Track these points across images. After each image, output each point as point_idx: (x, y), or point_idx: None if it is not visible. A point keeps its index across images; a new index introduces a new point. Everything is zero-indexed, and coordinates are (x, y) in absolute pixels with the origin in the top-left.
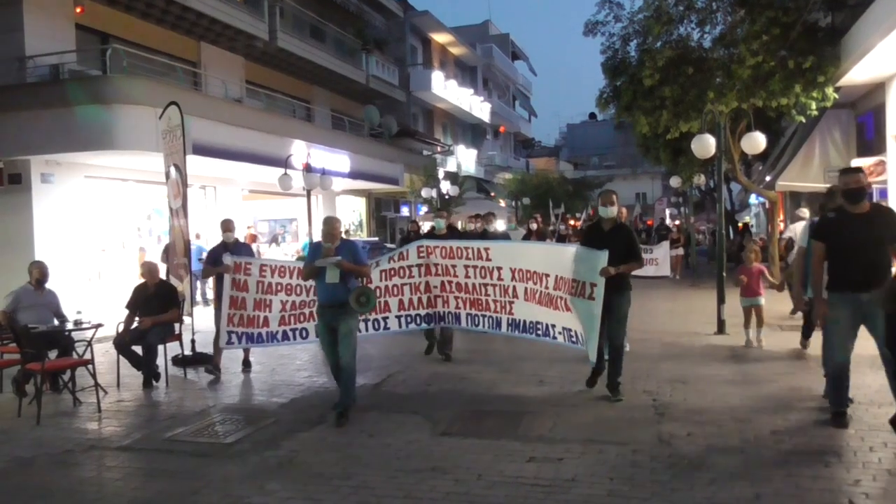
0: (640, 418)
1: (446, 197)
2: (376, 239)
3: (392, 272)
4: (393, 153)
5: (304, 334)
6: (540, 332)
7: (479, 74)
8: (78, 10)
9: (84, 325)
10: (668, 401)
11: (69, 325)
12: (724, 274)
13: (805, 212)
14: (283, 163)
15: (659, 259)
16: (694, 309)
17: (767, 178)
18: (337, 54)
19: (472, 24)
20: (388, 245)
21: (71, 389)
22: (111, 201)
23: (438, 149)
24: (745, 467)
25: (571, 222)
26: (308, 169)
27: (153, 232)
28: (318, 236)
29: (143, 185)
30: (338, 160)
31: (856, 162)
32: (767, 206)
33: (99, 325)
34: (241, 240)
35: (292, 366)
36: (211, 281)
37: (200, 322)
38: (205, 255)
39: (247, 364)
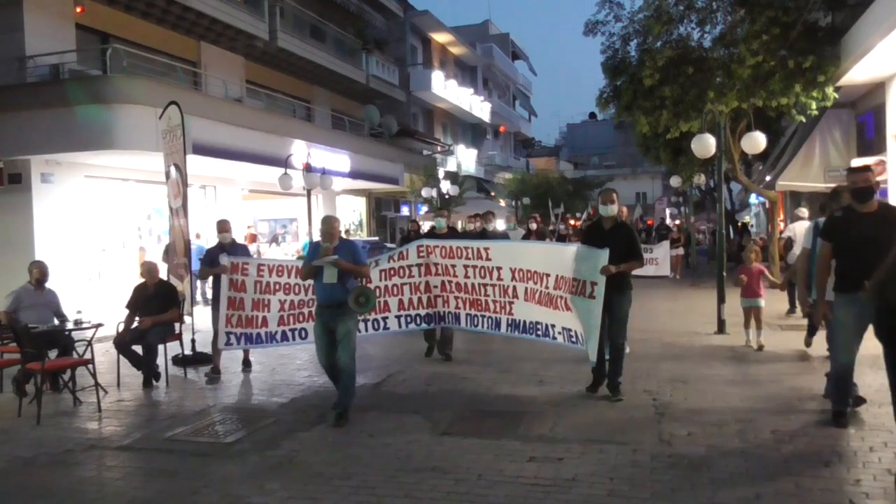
0: (641, 418)
1: (446, 197)
2: (376, 238)
3: (392, 272)
4: (393, 153)
5: (303, 334)
6: (539, 333)
7: (479, 74)
8: (78, 9)
9: (84, 325)
10: (668, 401)
11: (69, 325)
12: (724, 273)
13: (804, 211)
14: (284, 162)
15: (659, 259)
16: (694, 309)
17: (767, 178)
18: (337, 54)
19: (472, 24)
20: (389, 245)
21: (71, 389)
22: (111, 201)
23: (438, 148)
24: (746, 467)
25: (571, 222)
26: (308, 169)
27: (153, 232)
28: (317, 236)
29: (144, 185)
30: (338, 160)
31: (856, 161)
32: (767, 205)
33: (99, 325)
34: (242, 240)
35: (292, 365)
36: (210, 281)
37: (200, 322)
38: None
39: (247, 364)
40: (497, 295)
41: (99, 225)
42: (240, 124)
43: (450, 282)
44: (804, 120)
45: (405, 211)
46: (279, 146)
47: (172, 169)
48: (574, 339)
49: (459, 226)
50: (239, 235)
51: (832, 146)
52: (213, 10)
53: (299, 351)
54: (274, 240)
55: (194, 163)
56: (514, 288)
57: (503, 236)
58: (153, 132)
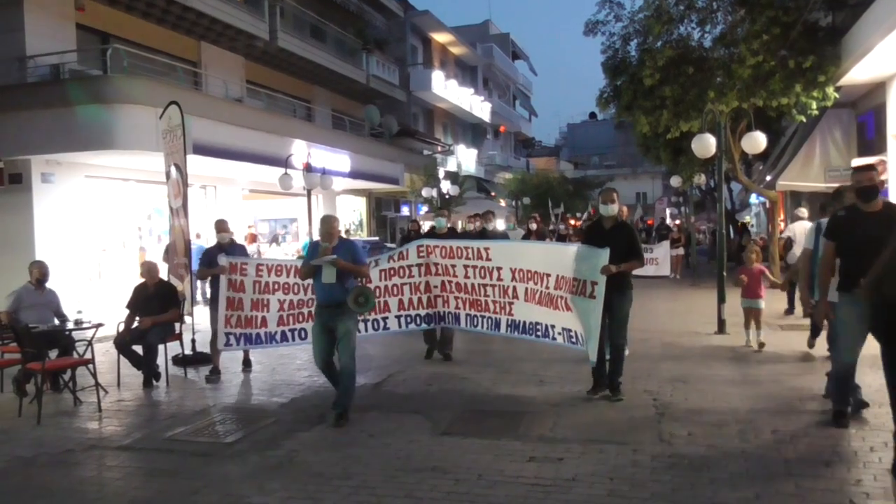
0: (641, 418)
1: (447, 196)
2: (376, 238)
3: (392, 272)
4: (393, 153)
5: (303, 335)
6: (539, 334)
7: (479, 74)
8: (78, 10)
9: (84, 325)
10: (668, 400)
11: (70, 325)
12: (725, 273)
13: (803, 211)
14: (284, 162)
15: (659, 259)
16: (694, 309)
17: (768, 178)
18: (337, 54)
19: (472, 24)
20: (389, 245)
21: (71, 389)
22: (112, 201)
23: (439, 148)
24: (746, 467)
25: (572, 222)
26: (308, 169)
27: (153, 231)
28: (318, 236)
29: (144, 185)
30: (338, 160)
31: (856, 161)
32: (768, 205)
33: (99, 325)
34: (242, 240)
35: (292, 365)
36: (209, 281)
37: (201, 322)
38: None
39: (247, 364)
40: (497, 295)
41: (99, 225)
42: (240, 124)
43: (450, 282)
44: (804, 120)
45: (405, 211)
46: (279, 146)
47: (173, 169)
48: (574, 340)
49: (460, 226)
50: (239, 235)
51: (832, 146)
52: (213, 10)
53: (299, 351)
54: (274, 240)
55: (194, 163)
56: (514, 288)
57: (503, 236)
58: (153, 132)
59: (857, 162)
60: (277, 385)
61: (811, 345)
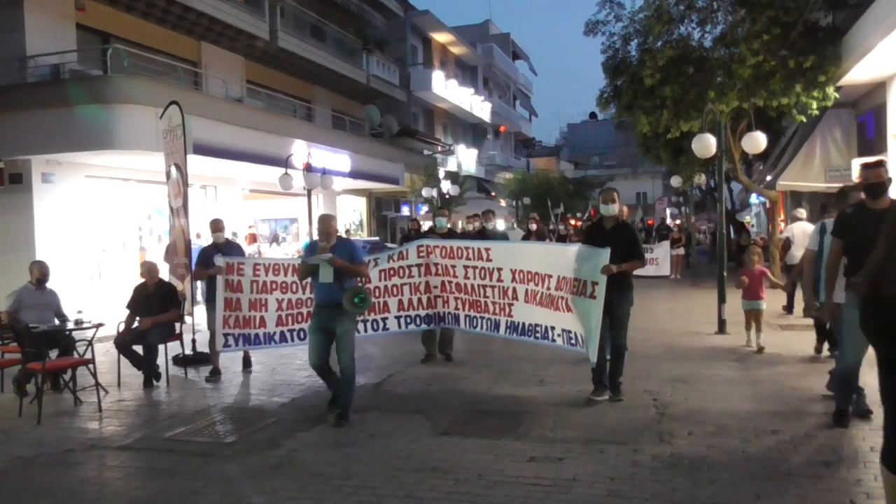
0: (641, 418)
1: (447, 196)
2: (377, 238)
3: (392, 272)
4: (393, 153)
5: (301, 335)
6: (539, 335)
7: (479, 74)
8: (79, 10)
9: (85, 325)
10: (668, 400)
11: (70, 325)
12: (725, 274)
13: (802, 212)
14: (284, 162)
15: (659, 259)
16: (694, 309)
17: (768, 178)
18: (337, 54)
19: (472, 24)
20: (389, 245)
21: (72, 389)
22: (112, 201)
23: (439, 148)
24: (746, 467)
25: (572, 222)
26: (309, 168)
27: (154, 232)
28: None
29: (144, 185)
30: (338, 160)
31: (856, 161)
32: (768, 205)
33: (100, 325)
34: (242, 239)
35: (292, 365)
36: (205, 281)
37: (201, 321)
38: None
39: (247, 363)
40: (497, 296)
41: (99, 225)
42: (240, 124)
43: (450, 282)
44: (805, 120)
45: (405, 211)
46: (280, 146)
47: (173, 169)
48: (574, 342)
49: (460, 226)
50: (241, 235)
51: (833, 146)
52: (213, 10)
53: (299, 351)
54: (275, 240)
55: (195, 163)
56: (514, 289)
57: (502, 236)
58: (154, 132)
59: (859, 162)
60: (277, 385)
61: (819, 350)
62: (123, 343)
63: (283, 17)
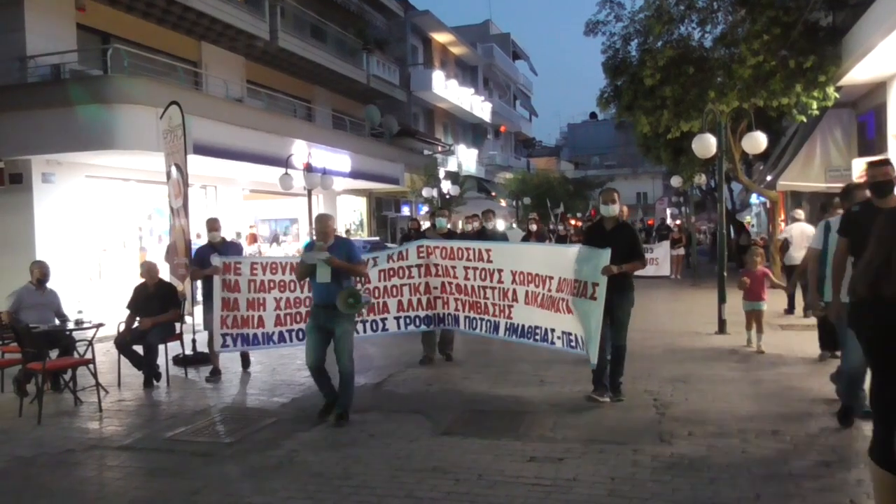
0: (641, 418)
1: (447, 196)
2: (377, 238)
3: (391, 272)
4: (394, 153)
5: (300, 336)
6: (538, 338)
7: (479, 74)
8: (79, 10)
9: (85, 325)
10: (668, 400)
11: (70, 325)
12: (725, 274)
13: (800, 213)
14: (284, 162)
15: (659, 259)
16: (694, 309)
17: (768, 178)
18: (338, 54)
19: (472, 24)
20: (389, 245)
21: (72, 389)
22: (112, 201)
23: (439, 148)
24: (746, 467)
25: (572, 222)
26: (309, 169)
27: (154, 232)
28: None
29: (144, 185)
30: (339, 160)
31: (857, 161)
32: (768, 205)
33: (100, 325)
34: (243, 239)
35: (293, 366)
36: (201, 281)
37: (201, 322)
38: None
39: (246, 362)
40: (497, 298)
41: (100, 225)
42: (240, 124)
43: (450, 283)
44: (805, 120)
45: (406, 211)
46: (280, 146)
47: (173, 169)
48: (574, 344)
49: (460, 226)
50: (243, 235)
51: (833, 146)
52: (213, 10)
53: (299, 351)
54: (275, 239)
55: (195, 163)
56: (515, 291)
57: (502, 236)
58: (154, 132)
59: (858, 162)
60: (278, 385)
61: (824, 357)
62: (124, 343)
63: (284, 17)
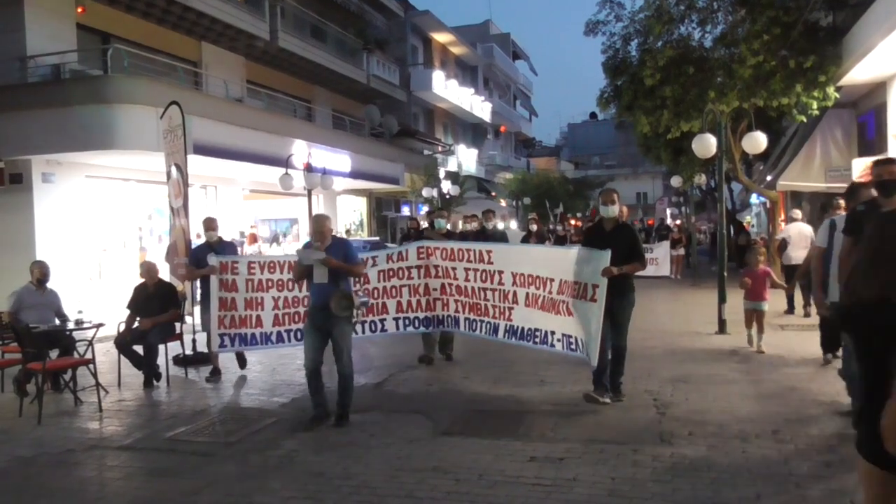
0: (642, 418)
1: (447, 196)
2: (377, 238)
3: (391, 273)
4: (394, 153)
5: (298, 336)
6: (538, 340)
7: (479, 74)
8: (79, 9)
9: (85, 325)
10: (669, 400)
11: (70, 325)
12: (725, 273)
13: (798, 213)
14: (284, 162)
15: (659, 259)
16: (695, 309)
17: (768, 178)
18: (338, 54)
19: (472, 24)
20: (389, 245)
21: (72, 389)
22: (112, 201)
23: (439, 148)
24: (747, 467)
25: (572, 222)
26: (309, 169)
27: (154, 232)
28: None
29: (145, 185)
30: (339, 160)
31: (857, 161)
32: (768, 205)
33: (100, 325)
34: (243, 239)
35: (293, 366)
36: (198, 281)
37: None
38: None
39: (242, 362)
40: (497, 300)
41: (100, 225)
42: (241, 124)
43: (450, 284)
44: (805, 120)
45: (406, 211)
46: (280, 146)
47: (173, 169)
48: (574, 347)
49: (460, 226)
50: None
51: (833, 146)
52: (213, 10)
53: (299, 351)
54: (275, 239)
55: (195, 163)
56: (515, 293)
57: (502, 235)
58: (154, 132)
59: (858, 162)
60: (278, 385)
61: (827, 361)
62: (124, 343)
63: (284, 17)
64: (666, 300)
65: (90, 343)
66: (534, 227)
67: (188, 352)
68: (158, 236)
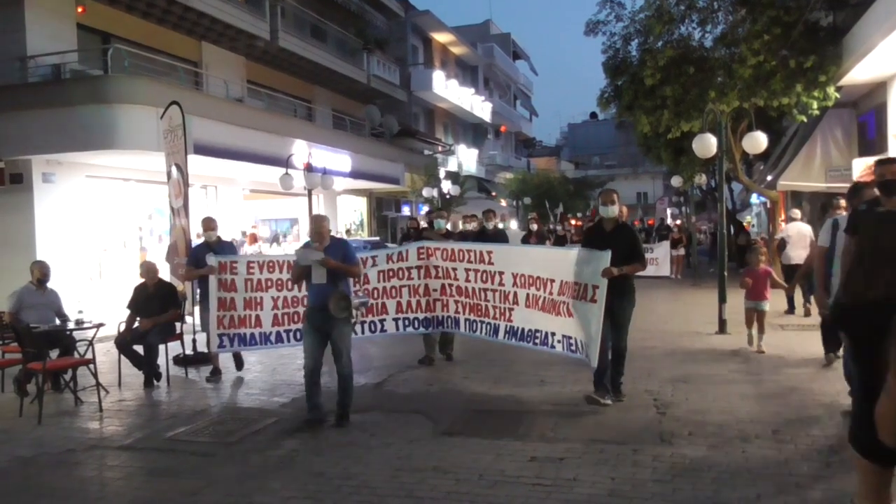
0: (642, 418)
1: (447, 196)
2: (377, 238)
3: (391, 273)
4: (394, 153)
5: (298, 336)
6: (538, 341)
7: (480, 74)
8: (79, 9)
9: (85, 325)
10: (669, 400)
11: (71, 325)
12: (725, 273)
13: (797, 213)
14: (285, 162)
15: (659, 259)
16: (695, 309)
17: (769, 178)
18: (338, 54)
19: (473, 24)
20: (389, 245)
21: (72, 389)
22: (112, 201)
23: (439, 148)
24: (747, 467)
25: (573, 222)
26: (309, 168)
27: (154, 232)
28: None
29: (145, 185)
30: (339, 160)
31: (857, 161)
32: (769, 205)
33: (100, 325)
34: (244, 239)
35: (293, 365)
36: (197, 280)
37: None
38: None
39: (239, 363)
40: (497, 300)
41: (100, 225)
42: (241, 124)
43: (450, 285)
44: (805, 120)
45: (406, 211)
46: (280, 146)
47: (174, 169)
48: (574, 348)
49: (460, 226)
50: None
51: (833, 146)
52: (214, 10)
53: (299, 351)
54: (275, 239)
55: (195, 163)
56: (515, 294)
57: (501, 235)
58: (154, 132)
59: (859, 162)
60: (278, 385)
61: (829, 361)
62: (124, 343)
63: (284, 17)
64: (666, 300)
65: (90, 343)
66: (534, 227)
67: (188, 352)
68: (159, 236)
